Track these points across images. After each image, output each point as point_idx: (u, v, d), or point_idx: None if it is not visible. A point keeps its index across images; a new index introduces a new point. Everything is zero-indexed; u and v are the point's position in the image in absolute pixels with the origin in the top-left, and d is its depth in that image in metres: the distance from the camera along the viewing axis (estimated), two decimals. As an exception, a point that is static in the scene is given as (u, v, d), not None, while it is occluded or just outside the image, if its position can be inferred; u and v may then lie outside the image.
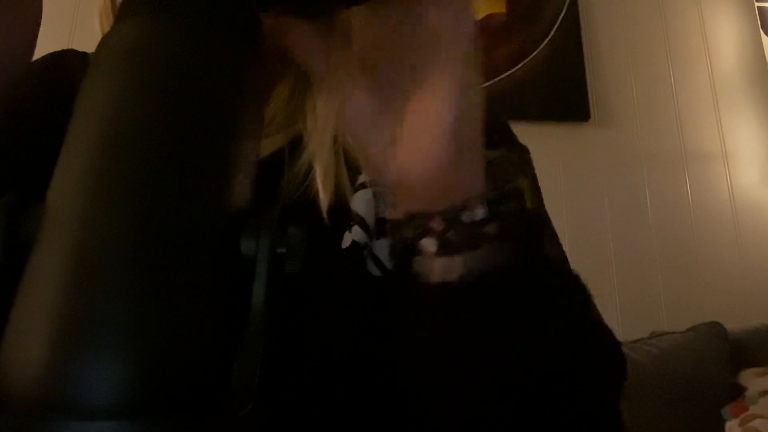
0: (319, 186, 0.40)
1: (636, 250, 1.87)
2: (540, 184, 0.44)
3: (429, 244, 0.30)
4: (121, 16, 0.22)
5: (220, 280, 0.19)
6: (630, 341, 1.56)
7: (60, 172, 0.19)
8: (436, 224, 0.30)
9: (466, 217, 0.30)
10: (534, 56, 1.92)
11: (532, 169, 0.47)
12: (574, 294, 0.36)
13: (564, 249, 0.43)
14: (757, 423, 1.38)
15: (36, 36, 0.31)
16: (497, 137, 0.48)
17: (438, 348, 0.32)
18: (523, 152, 0.48)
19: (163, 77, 0.20)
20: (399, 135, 0.30)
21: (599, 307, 0.36)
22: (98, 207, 0.18)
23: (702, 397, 1.51)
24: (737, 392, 1.52)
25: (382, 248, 0.41)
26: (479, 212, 0.30)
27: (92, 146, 0.19)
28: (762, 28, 2.17)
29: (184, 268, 0.18)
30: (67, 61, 0.47)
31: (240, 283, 0.19)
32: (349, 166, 0.42)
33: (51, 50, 0.48)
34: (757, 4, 2.19)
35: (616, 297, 1.76)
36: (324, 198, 0.40)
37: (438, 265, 0.31)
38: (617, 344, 0.38)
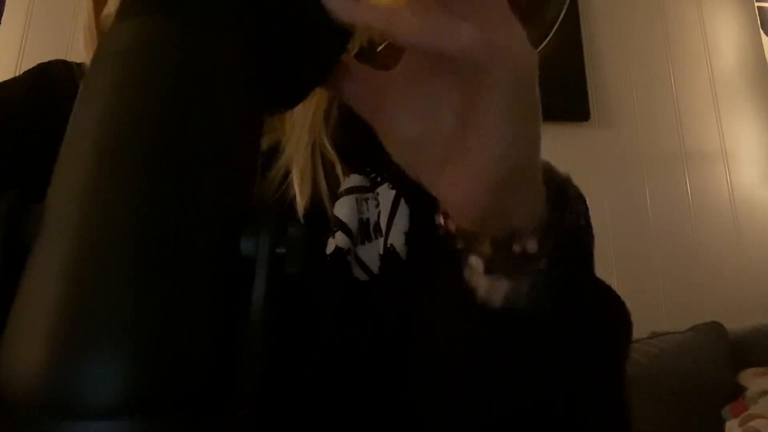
0: (296, 190, 0.41)
1: (636, 250, 1.87)
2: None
3: (476, 262, 0.30)
4: (121, 15, 0.22)
5: (220, 279, 0.19)
6: (630, 341, 1.56)
7: (59, 172, 0.19)
8: (485, 248, 0.30)
9: (516, 247, 0.29)
10: (534, 56, 1.91)
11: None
12: (612, 326, 0.35)
13: None
14: (757, 423, 1.38)
15: None
16: None
17: (460, 359, 0.33)
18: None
19: (162, 78, 0.20)
20: (449, 156, 0.28)
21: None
22: (97, 207, 0.18)
23: (702, 397, 1.51)
24: (737, 392, 1.52)
25: (367, 253, 0.41)
26: (531, 246, 0.29)
27: (91, 147, 0.19)
28: (762, 28, 2.17)
29: (184, 268, 0.18)
30: (54, 71, 0.48)
31: (240, 283, 0.19)
32: (327, 173, 0.42)
33: (51, 53, 0.49)
34: (757, 4, 2.19)
35: (616, 297, 1.75)
36: (300, 202, 0.40)
37: (484, 282, 0.30)
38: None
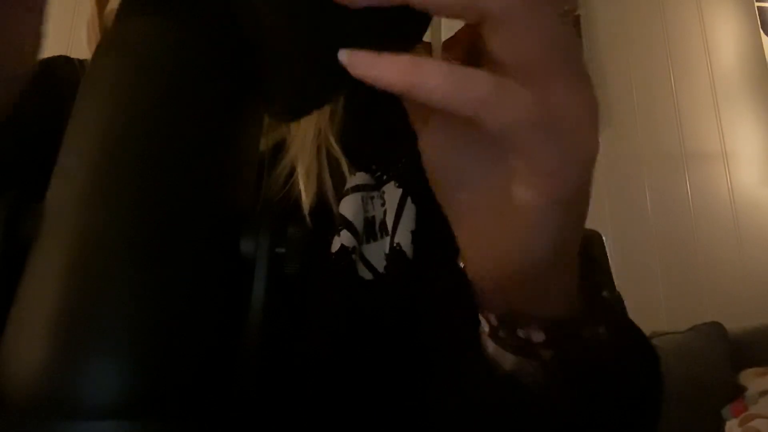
0: (301, 188, 0.40)
1: (636, 250, 1.87)
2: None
3: (483, 322, 0.28)
4: (122, 13, 0.22)
5: (219, 280, 0.18)
6: (630, 341, 1.56)
7: (59, 173, 0.19)
8: (491, 317, 0.27)
9: (521, 333, 0.27)
10: (534, 56, 1.91)
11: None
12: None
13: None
14: (757, 423, 1.38)
15: (41, 30, 0.29)
16: None
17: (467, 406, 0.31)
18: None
19: (162, 78, 0.20)
20: (475, 207, 0.24)
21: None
22: (97, 207, 0.18)
23: (702, 397, 1.51)
24: (737, 392, 1.52)
25: (373, 252, 0.41)
26: (537, 336, 0.26)
27: (91, 147, 0.19)
28: (762, 28, 2.17)
29: (184, 268, 0.18)
30: (56, 67, 0.48)
31: (239, 283, 0.19)
32: (333, 171, 0.42)
33: (51, 49, 0.49)
34: (757, 4, 2.19)
35: (616, 297, 1.76)
36: (306, 200, 0.40)
37: (490, 345, 0.28)
38: None
